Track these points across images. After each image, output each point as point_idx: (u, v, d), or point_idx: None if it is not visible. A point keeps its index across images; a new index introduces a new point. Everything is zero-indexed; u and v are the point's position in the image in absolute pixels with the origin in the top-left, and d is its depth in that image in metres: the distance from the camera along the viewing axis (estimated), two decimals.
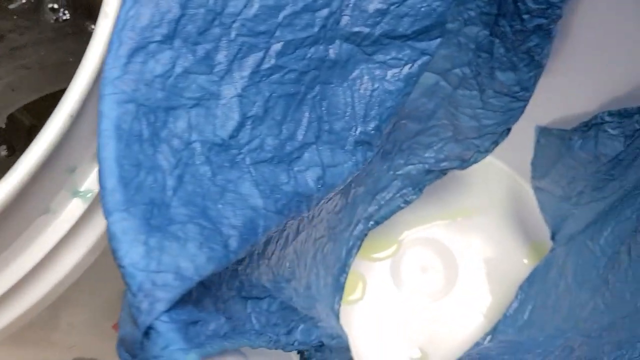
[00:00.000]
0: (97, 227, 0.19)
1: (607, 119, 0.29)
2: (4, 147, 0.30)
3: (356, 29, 0.22)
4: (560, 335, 0.29)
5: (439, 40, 0.23)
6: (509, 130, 0.32)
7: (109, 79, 0.15)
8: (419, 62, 0.23)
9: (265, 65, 0.19)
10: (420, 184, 0.35)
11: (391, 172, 0.34)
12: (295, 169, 0.20)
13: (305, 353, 0.27)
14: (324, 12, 0.20)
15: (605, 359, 0.24)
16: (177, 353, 0.13)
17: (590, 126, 0.30)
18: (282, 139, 0.20)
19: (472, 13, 0.26)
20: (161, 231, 0.15)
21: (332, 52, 0.21)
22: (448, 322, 0.39)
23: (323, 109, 0.22)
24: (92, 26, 0.31)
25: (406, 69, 0.23)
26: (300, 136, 0.21)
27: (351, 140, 0.23)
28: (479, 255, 0.40)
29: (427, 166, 0.34)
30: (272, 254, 0.26)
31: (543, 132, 0.34)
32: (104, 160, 0.14)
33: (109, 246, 0.14)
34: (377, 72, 0.23)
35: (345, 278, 0.35)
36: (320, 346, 0.27)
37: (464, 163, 0.34)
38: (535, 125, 0.35)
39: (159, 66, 0.16)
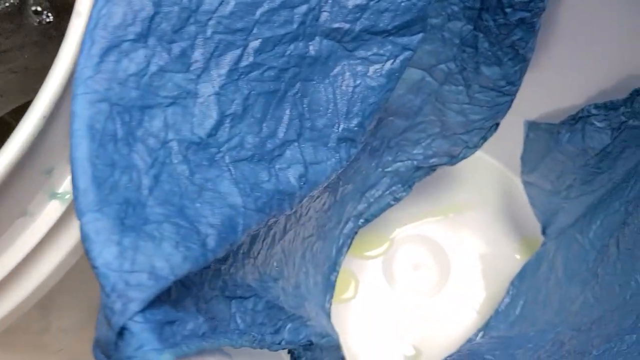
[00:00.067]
0: (76, 228, 0.18)
1: (594, 111, 0.28)
2: None
3: (336, 25, 0.21)
4: (551, 330, 0.29)
5: (420, 35, 0.23)
6: (497, 125, 0.32)
7: (81, 78, 0.15)
8: (401, 57, 0.23)
9: (244, 63, 0.19)
10: (410, 181, 0.35)
11: (380, 170, 0.34)
12: (277, 166, 0.20)
13: (295, 352, 0.27)
14: (303, 8, 0.20)
15: (594, 352, 0.24)
16: (151, 353, 0.13)
17: (577, 119, 0.30)
18: (263, 137, 0.20)
19: (455, 8, 0.26)
20: (136, 231, 0.14)
21: (312, 48, 0.21)
22: (441, 319, 0.39)
23: (304, 106, 0.22)
24: None
25: (388, 65, 0.23)
26: (281, 134, 0.21)
27: (334, 137, 0.23)
28: (471, 251, 0.40)
29: (415, 163, 0.34)
30: (259, 253, 0.25)
31: (532, 127, 0.34)
32: (77, 160, 0.14)
33: None
34: (359, 68, 0.23)
35: (336, 277, 0.35)
36: (310, 345, 0.27)
37: (453, 159, 0.34)
38: (524, 119, 0.35)
39: (132, 65, 0.16)
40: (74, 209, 0.14)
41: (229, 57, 0.19)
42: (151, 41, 0.17)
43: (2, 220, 0.17)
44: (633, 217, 0.27)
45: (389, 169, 0.34)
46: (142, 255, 0.14)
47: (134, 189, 0.15)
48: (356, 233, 0.35)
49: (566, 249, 0.31)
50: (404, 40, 0.23)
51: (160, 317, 0.14)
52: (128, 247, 0.14)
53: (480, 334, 0.34)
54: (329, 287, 0.35)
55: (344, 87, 0.23)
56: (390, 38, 0.23)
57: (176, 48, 0.17)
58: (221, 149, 0.18)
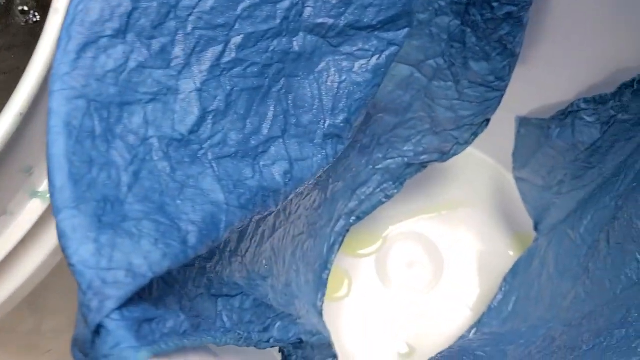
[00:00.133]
0: None
1: (583, 106, 0.28)
2: None
3: (320, 20, 0.21)
4: (543, 326, 0.29)
5: (406, 30, 0.23)
6: (487, 121, 0.32)
7: (57, 75, 0.15)
8: (387, 52, 0.23)
9: (226, 59, 0.19)
10: (401, 178, 0.34)
11: (370, 167, 0.34)
12: (261, 163, 0.20)
13: (285, 351, 0.27)
14: (285, 3, 0.20)
15: (584, 347, 0.24)
16: (127, 351, 0.13)
17: (567, 114, 0.29)
18: (247, 134, 0.20)
19: (442, 3, 0.26)
20: (114, 228, 0.14)
21: (296, 44, 0.21)
22: (435, 316, 0.39)
23: (289, 102, 0.21)
24: None
25: (374, 60, 0.23)
26: (265, 130, 0.21)
27: (320, 133, 0.22)
28: (464, 248, 0.40)
29: (406, 160, 0.34)
30: (247, 251, 0.25)
31: (523, 122, 0.34)
32: (53, 157, 0.14)
33: None
34: (344, 63, 0.23)
35: (328, 275, 0.35)
36: (300, 343, 0.27)
37: (444, 155, 0.33)
38: (515, 115, 0.34)
39: (111, 61, 0.16)
40: (51, 206, 0.14)
41: (211, 53, 0.18)
42: (130, 37, 0.16)
43: None
44: (623, 211, 0.27)
45: (380, 166, 0.34)
46: (120, 253, 0.14)
47: (112, 186, 0.15)
48: (348, 231, 0.35)
49: (558, 245, 0.31)
50: (390, 35, 0.23)
51: (139, 314, 0.14)
52: (105, 245, 0.14)
53: (474, 331, 0.34)
54: (321, 285, 0.34)
55: (329, 83, 0.22)
56: (376, 33, 0.23)
57: (156, 44, 0.17)
58: (203, 146, 0.18)
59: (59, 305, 0.33)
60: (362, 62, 0.23)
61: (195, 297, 0.19)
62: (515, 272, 0.35)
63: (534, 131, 0.33)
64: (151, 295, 0.16)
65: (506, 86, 0.29)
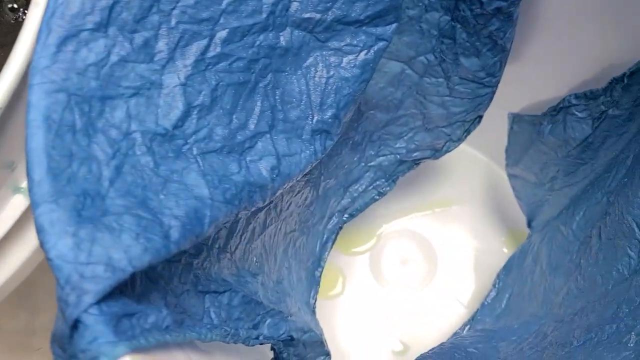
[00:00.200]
0: None
1: (574, 101, 0.28)
2: None
3: (307, 15, 0.21)
4: (536, 322, 0.29)
5: (394, 25, 0.23)
6: (480, 118, 0.32)
7: (37, 68, 0.15)
8: (375, 48, 0.23)
9: (211, 54, 0.19)
10: (394, 175, 0.34)
11: (362, 164, 0.34)
12: (248, 158, 0.20)
13: (276, 348, 0.27)
14: None
15: (575, 343, 0.23)
16: (105, 346, 0.13)
17: (559, 110, 0.29)
18: (233, 129, 0.20)
19: None
20: (93, 222, 0.14)
21: (283, 39, 0.21)
22: (429, 313, 0.38)
23: (276, 97, 0.21)
24: None
25: (362, 55, 0.23)
26: (252, 125, 0.20)
27: (308, 129, 0.22)
28: (458, 245, 0.40)
29: (399, 157, 0.34)
30: (236, 248, 0.25)
31: (515, 119, 0.33)
32: (32, 151, 0.14)
33: None
34: (332, 59, 0.22)
35: (321, 272, 0.34)
36: (291, 341, 0.27)
37: (437, 152, 0.33)
38: (508, 112, 0.34)
39: (92, 55, 0.16)
40: (30, 200, 0.14)
41: (195, 48, 0.18)
42: (112, 31, 0.16)
43: None
44: (614, 206, 0.26)
45: (372, 163, 0.34)
46: (99, 247, 0.14)
47: (93, 181, 0.15)
48: (341, 228, 0.35)
49: (550, 241, 0.31)
50: (378, 30, 0.23)
51: (118, 309, 0.14)
52: (84, 239, 0.14)
53: (467, 328, 0.34)
54: (314, 283, 0.34)
55: (317, 79, 0.22)
56: (364, 28, 0.22)
57: (139, 38, 0.17)
58: (188, 141, 0.18)
59: (49, 303, 0.33)
60: (350, 57, 0.23)
61: (181, 293, 0.19)
62: (508, 269, 0.35)
63: (526, 128, 0.33)
64: (134, 290, 0.16)
65: (497, 82, 0.29)
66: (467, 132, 0.32)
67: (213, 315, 0.21)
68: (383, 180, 0.34)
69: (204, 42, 0.19)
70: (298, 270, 0.32)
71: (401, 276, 0.40)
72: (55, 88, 0.15)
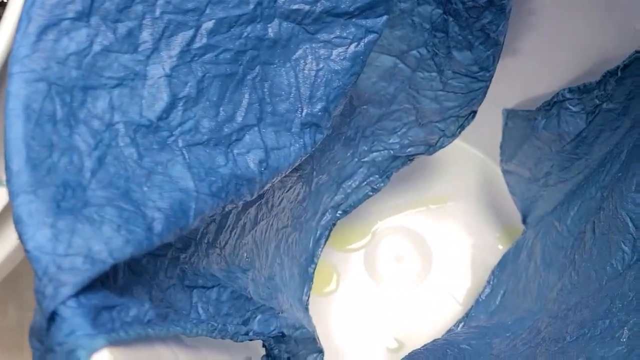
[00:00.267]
0: None
1: (568, 95, 0.28)
2: None
3: (295, 7, 0.21)
4: (530, 318, 0.28)
5: (385, 17, 0.23)
6: (474, 113, 0.31)
7: (17, 57, 0.14)
8: (365, 40, 0.23)
9: (197, 45, 0.19)
10: (387, 171, 0.34)
11: (356, 160, 0.33)
12: (235, 151, 0.20)
13: (267, 344, 0.27)
14: None
15: (568, 338, 0.23)
16: (82, 339, 0.12)
17: (553, 104, 0.29)
18: (220, 121, 0.19)
19: None
20: (73, 214, 0.14)
21: (271, 31, 0.21)
22: (424, 310, 0.38)
23: (265, 90, 0.21)
24: None
25: (352, 48, 0.23)
26: (239, 118, 0.20)
27: (297, 122, 0.22)
28: (453, 242, 0.40)
29: (392, 152, 0.33)
30: (226, 243, 0.25)
31: (510, 115, 0.33)
32: (10, 140, 0.14)
33: None
34: (322, 51, 0.22)
35: (314, 269, 0.34)
36: (282, 337, 0.26)
37: (431, 148, 0.33)
38: (502, 108, 0.34)
39: (73, 44, 0.16)
40: (8, 191, 0.14)
41: (180, 38, 0.18)
42: (94, 20, 0.16)
43: None
44: (608, 201, 0.26)
45: (366, 159, 0.34)
46: (79, 238, 0.14)
47: (74, 172, 0.15)
48: (334, 225, 0.35)
49: (545, 237, 0.31)
50: (368, 22, 0.22)
51: (97, 302, 0.13)
52: (63, 230, 0.14)
53: (461, 325, 0.33)
54: (307, 279, 0.34)
55: (306, 71, 0.22)
56: (353, 20, 0.22)
57: (122, 28, 0.17)
58: (174, 133, 0.18)
59: None
60: (340, 49, 0.22)
61: (167, 288, 0.19)
62: (503, 265, 0.34)
63: (520, 123, 0.32)
64: (116, 283, 0.15)
65: (491, 77, 0.29)
66: (461, 127, 0.32)
67: (201, 311, 0.21)
68: (377, 176, 0.34)
69: (190, 32, 0.18)
70: (290, 266, 0.32)
71: (396, 273, 0.39)
72: (35, 77, 0.15)
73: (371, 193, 0.35)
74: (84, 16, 0.16)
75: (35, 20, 0.15)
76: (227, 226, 0.25)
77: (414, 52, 0.28)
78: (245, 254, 0.27)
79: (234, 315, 0.23)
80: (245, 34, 0.20)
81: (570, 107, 0.28)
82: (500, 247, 0.39)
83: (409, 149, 0.33)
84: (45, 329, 0.13)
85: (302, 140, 0.22)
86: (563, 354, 0.23)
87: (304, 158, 0.23)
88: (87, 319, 0.13)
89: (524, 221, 0.35)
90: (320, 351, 0.31)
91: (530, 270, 0.31)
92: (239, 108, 0.20)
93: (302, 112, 0.22)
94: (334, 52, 0.22)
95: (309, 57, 0.22)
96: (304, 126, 0.22)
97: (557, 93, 0.29)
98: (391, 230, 0.40)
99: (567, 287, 0.27)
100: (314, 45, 0.22)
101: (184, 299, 0.20)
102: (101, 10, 0.16)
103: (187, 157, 0.18)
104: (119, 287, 0.15)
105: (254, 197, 0.21)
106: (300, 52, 0.22)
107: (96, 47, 0.16)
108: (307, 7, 0.21)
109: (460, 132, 0.32)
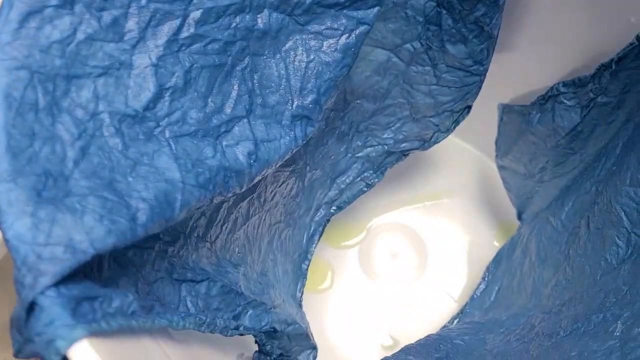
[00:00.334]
0: None
1: (562, 89, 0.28)
2: None
3: None
4: (524, 314, 0.28)
5: (376, 9, 0.22)
6: (469, 108, 0.31)
7: None
8: (357, 32, 0.22)
9: (184, 34, 0.18)
10: (382, 167, 0.34)
11: (350, 155, 0.33)
12: (224, 143, 0.20)
13: (258, 339, 0.26)
14: None
15: (561, 333, 0.23)
16: (62, 329, 0.12)
17: (547, 99, 0.29)
18: (208, 112, 0.19)
19: None
20: (54, 203, 0.14)
21: (260, 21, 0.20)
22: (419, 307, 0.38)
23: (255, 81, 0.21)
24: None
25: (343, 39, 0.22)
26: (228, 109, 0.20)
27: (288, 114, 0.22)
28: (449, 239, 0.39)
29: (386, 147, 0.33)
30: (217, 237, 0.25)
31: (505, 110, 0.33)
32: None
33: None
34: (312, 43, 0.22)
35: (308, 265, 0.34)
36: (274, 332, 0.26)
37: (425, 143, 0.33)
38: (498, 103, 0.34)
39: (56, 32, 0.15)
40: None
41: (167, 28, 0.18)
42: (78, 8, 0.16)
43: None
44: (603, 196, 0.26)
45: (360, 154, 0.33)
46: (60, 228, 0.13)
47: (56, 161, 0.14)
48: (328, 221, 0.34)
49: (539, 233, 0.31)
50: (359, 13, 0.22)
51: (78, 292, 0.13)
52: (43, 219, 0.13)
53: (456, 321, 0.33)
54: (301, 276, 0.34)
55: (297, 63, 0.22)
56: (345, 11, 0.22)
57: (107, 16, 0.16)
58: (160, 123, 0.18)
59: None
60: (331, 41, 0.22)
61: (154, 281, 0.19)
62: (498, 262, 0.34)
63: (516, 118, 0.32)
64: (100, 275, 0.15)
65: (485, 71, 0.29)
66: (456, 122, 0.32)
67: (189, 305, 0.20)
68: (371, 171, 0.34)
69: (177, 22, 0.18)
70: (284, 262, 0.32)
71: (391, 270, 0.39)
72: (16, 65, 0.14)
73: (365, 189, 0.34)
74: (67, 4, 0.16)
75: (17, 7, 0.15)
76: (217, 220, 0.24)
77: (408, 45, 0.28)
78: (236, 249, 0.27)
79: (224, 309, 0.23)
80: (234, 24, 0.20)
81: (565, 101, 0.28)
82: (496, 243, 0.39)
83: (403, 144, 0.33)
84: (24, 320, 0.12)
85: (292, 132, 0.22)
86: (556, 349, 0.23)
87: (294, 151, 0.22)
88: (67, 309, 0.12)
89: (520, 217, 0.35)
90: (314, 348, 0.30)
91: (525, 266, 0.31)
92: (227, 99, 0.20)
93: (292, 104, 0.22)
94: (325, 43, 0.22)
95: (300, 48, 0.22)
96: (295, 118, 0.22)
97: (552, 87, 0.28)
98: (386, 226, 0.40)
99: (562, 282, 0.27)
100: (304, 36, 0.22)
101: (172, 293, 0.20)
102: None
103: (173, 148, 0.18)
104: (103, 279, 0.15)
105: (243, 190, 0.20)
106: (290, 43, 0.22)
107: (80, 36, 0.16)
108: None
109: (454, 128, 0.32)
